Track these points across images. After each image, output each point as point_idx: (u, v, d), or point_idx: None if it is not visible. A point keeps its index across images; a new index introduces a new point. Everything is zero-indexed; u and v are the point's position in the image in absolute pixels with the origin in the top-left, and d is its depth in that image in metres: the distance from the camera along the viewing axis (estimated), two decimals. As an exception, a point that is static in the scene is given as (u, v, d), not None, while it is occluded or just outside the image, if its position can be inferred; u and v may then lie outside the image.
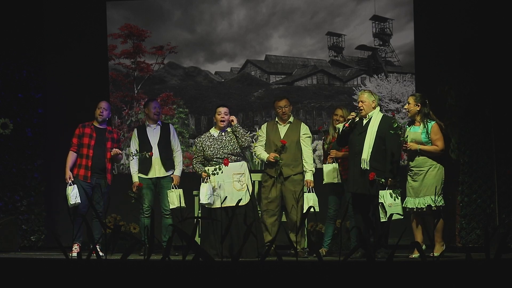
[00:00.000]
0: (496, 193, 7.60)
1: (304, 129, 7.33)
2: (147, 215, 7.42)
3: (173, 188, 7.42)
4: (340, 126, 6.94)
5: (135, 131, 7.72)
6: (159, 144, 7.54)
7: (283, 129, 7.30)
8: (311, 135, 7.39)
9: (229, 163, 6.90)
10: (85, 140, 7.37)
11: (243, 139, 7.01)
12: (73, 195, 7.21)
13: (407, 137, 6.69)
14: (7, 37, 8.59)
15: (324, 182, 7.29)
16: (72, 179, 7.29)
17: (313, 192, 7.11)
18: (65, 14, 9.13)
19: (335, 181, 7.25)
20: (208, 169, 6.91)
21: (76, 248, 6.96)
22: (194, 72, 9.39)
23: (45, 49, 8.92)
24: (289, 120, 7.34)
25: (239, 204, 6.58)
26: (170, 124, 7.83)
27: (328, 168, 7.28)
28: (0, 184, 8.42)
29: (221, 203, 6.60)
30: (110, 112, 7.59)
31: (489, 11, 7.79)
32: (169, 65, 9.37)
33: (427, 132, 6.68)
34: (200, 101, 9.34)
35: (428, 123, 6.71)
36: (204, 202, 6.82)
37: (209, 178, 6.86)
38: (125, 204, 7.89)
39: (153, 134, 7.59)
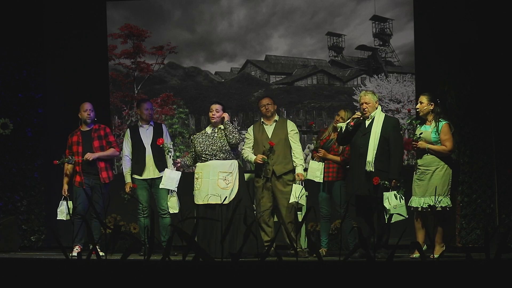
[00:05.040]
0: (496, 193, 7.60)
1: (291, 125, 7.33)
2: (145, 215, 7.45)
3: (171, 192, 7.44)
4: (342, 125, 6.92)
5: (128, 131, 7.72)
6: (152, 145, 7.55)
7: (269, 129, 7.30)
8: (298, 130, 7.40)
9: (217, 161, 6.94)
10: (74, 148, 7.46)
11: (230, 136, 6.96)
12: (60, 211, 7.40)
13: (421, 134, 6.66)
14: (7, 37, 8.59)
15: (305, 178, 7.29)
16: (67, 193, 7.43)
17: (302, 185, 7.09)
18: (65, 14, 9.13)
19: (316, 179, 7.28)
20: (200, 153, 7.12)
21: (76, 249, 6.99)
22: (194, 72, 9.39)
23: (45, 49, 8.92)
24: (275, 118, 7.34)
25: (224, 203, 6.61)
26: (162, 124, 7.85)
27: (314, 165, 7.30)
28: (0, 184, 8.43)
29: (202, 200, 6.72)
30: (94, 111, 7.60)
31: (489, 12, 7.79)
32: (169, 65, 9.38)
33: (437, 131, 6.66)
34: (200, 101, 9.34)
35: (440, 123, 6.69)
36: (160, 186, 7.27)
37: (176, 166, 7.19)
38: (125, 204, 7.89)
39: (146, 134, 7.60)
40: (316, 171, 7.29)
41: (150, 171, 7.53)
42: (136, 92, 9.37)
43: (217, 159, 6.97)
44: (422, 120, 6.84)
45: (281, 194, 7.12)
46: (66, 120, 7.71)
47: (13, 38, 8.60)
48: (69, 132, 7.60)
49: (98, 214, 6.82)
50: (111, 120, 9.28)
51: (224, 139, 7.01)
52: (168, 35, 9.31)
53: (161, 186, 7.28)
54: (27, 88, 8.60)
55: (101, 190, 7.38)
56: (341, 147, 7.27)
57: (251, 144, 7.32)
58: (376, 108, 6.79)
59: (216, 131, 7.07)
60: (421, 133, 6.65)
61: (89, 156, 7.34)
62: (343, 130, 6.79)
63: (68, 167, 7.49)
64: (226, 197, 6.74)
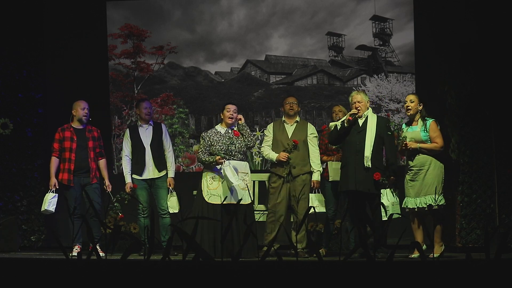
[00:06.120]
0: (496, 193, 7.60)
1: (311, 129, 7.34)
2: (145, 215, 7.44)
3: (171, 192, 7.44)
4: (336, 123, 6.91)
5: (127, 131, 7.71)
6: (151, 145, 7.54)
7: (290, 129, 7.31)
8: (317, 134, 7.40)
9: (234, 161, 6.92)
10: (67, 144, 7.39)
11: (249, 139, 7.04)
12: (51, 202, 7.31)
13: (405, 137, 6.70)
14: (7, 37, 8.58)
15: (330, 180, 7.28)
16: (57, 187, 7.36)
17: (319, 192, 7.12)
18: (65, 14, 9.13)
19: None
20: (220, 152, 6.90)
21: (76, 249, 6.99)
22: (194, 72, 9.39)
23: (45, 49, 8.92)
24: (296, 119, 7.35)
25: (241, 203, 6.61)
26: (162, 124, 7.84)
27: (337, 166, 7.24)
28: (0, 184, 8.42)
29: (222, 201, 6.62)
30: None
31: (489, 12, 7.79)
32: (169, 65, 9.37)
33: (425, 129, 6.70)
34: (200, 101, 9.34)
35: (427, 121, 6.74)
36: (236, 183, 6.74)
37: (225, 160, 6.82)
38: (125, 204, 7.90)
39: (146, 134, 7.59)
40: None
41: (150, 171, 7.53)
42: (136, 92, 9.37)
43: (235, 160, 6.97)
44: (409, 121, 6.87)
45: (297, 193, 7.10)
46: (66, 120, 7.70)
47: (13, 38, 8.60)
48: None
49: (97, 213, 6.80)
50: (111, 120, 9.28)
51: (241, 140, 7.01)
52: (168, 35, 9.31)
53: (237, 181, 6.77)
54: (27, 88, 8.59)
55: (99, 188, 7.41)
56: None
57: (270, 142, 7.32)
58: (368, 108, 6.83)
59: (231, 131, 7.06)
60: (405, 136, 6.69)
61: (110, 186, 7.49)
62: (338, 127, 6.77)
63: (53, 162, 7.42)
64: (242, 198, 6.74)
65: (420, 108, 6.78)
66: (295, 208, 7.14)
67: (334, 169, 7.24)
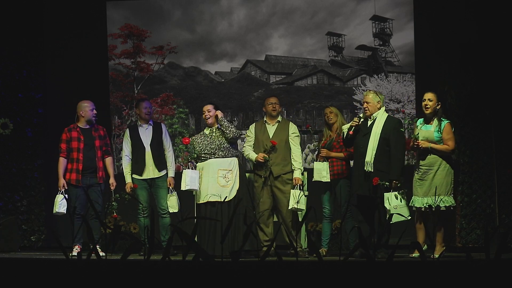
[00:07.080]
0: (496, 193, 7.61)
1: (293, 128, 7.35)
2: (145, 215, 7.45)
3: (171, 191, 7.44)
4: (345, 127, 6.97)
5: (127, 131, 7.71)
6: (151, 144, 7.55)
7: (271, 129, 7.32)
8: (299, 134, 7.41)
9: (216, 159, 7.00)
10: (74, 144, 7.38)
11: (227, 131, 7.07)
12: (62, 204, 7.25)
13: (417, 134, 6.66)
14: (7, 37, 8.59)
15: (313, 180, 7.32)
16: (66, 188, 7.31)
17: (300, 189, 7.11)
18: (65, 14, 9.13)
19: (324, 179, 7.29)
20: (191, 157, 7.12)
21: (76, 249, 6.99)
22: (194, 72, 9.39)
23: (45, 49, 8.92)
24: (278, 119, 7.36)
25: (224, 201, 6.64)
26: (162, 124, 7.85)
27: (319, 166, 7.31)
28: (0, 184, 8.42)
29: (198, 198, 6.74)
30: None
31: (489, 12, 7.79)
32: (169, 65, 9.37)
33: (439, 130, 6.65)
34: (200, 101, 9.34)
35: (442, 122, 6.68)
36: (183, 188, 7.00)
37: (192, 165, 7.03)
38: (125, 204, 7.90)
39: (146, 134, 7.60)
40: (322, 171, 7.29)
41: (150, 171, 7.53)
42: (136, 92, 9.37)
43: (216, 157, 7.02)
44: (426, 119, 6.80)
45: (281, 193, 7.13)
46: (66, 120, 7.70)
47: (13, 38, 8.60)
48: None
49: (98, 214, 6.80)
50: (111, 120, 9.28)
51: (222, 137, 7.07)
52: (168, 35, 9.31)
53: (185, 187, 7.02)
54: (27, 88, 8.60)
55: (100, 189, 7.40)
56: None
57: (252, 143, 7.33)
58: (379, 109, 6.79)
59: (214, 130, 7.14)
60: (417, 134, 6.66)
61: (114, 184, 7.45)
62: (344, 134, 6.85)
63: (61, 163, 7.39)
64: (226, 196, 6.76)
65: (438, 107, 6.73)
66: (279, 208, 7.14)
67: (317, 169, 7.29)
